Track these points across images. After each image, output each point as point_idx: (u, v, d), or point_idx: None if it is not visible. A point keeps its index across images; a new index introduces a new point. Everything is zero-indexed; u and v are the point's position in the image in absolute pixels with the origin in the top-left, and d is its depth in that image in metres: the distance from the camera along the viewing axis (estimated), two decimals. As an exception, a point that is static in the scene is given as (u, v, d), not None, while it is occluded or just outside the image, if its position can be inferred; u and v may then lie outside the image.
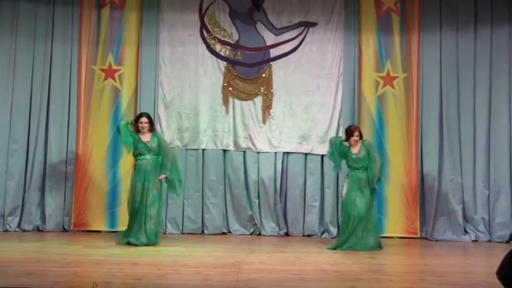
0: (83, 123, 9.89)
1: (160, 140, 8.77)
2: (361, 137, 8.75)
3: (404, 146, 9.95)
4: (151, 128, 8.79)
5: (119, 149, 9.72)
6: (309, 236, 9.96)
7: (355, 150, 8.68)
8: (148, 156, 8.65)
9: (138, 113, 9.23)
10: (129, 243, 8.37)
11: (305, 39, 10.20)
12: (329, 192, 9.98)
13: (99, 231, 9.75)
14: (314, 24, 10.21)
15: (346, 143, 8.78)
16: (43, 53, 9.92)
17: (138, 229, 8.45)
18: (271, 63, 10.18)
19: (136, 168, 8.76)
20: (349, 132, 8.80)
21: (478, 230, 9.83)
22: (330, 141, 9.01)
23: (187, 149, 10.04)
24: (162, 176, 8.67)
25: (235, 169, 10.08)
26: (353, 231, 8.47)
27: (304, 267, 7.04)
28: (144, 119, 8.71)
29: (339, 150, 8.78)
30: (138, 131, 8.67)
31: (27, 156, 9.84)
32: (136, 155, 8.73)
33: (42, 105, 9.87)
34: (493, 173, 9.90)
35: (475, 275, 6.92)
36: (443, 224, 9.83)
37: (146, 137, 8.69)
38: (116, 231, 9.34)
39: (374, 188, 8.64)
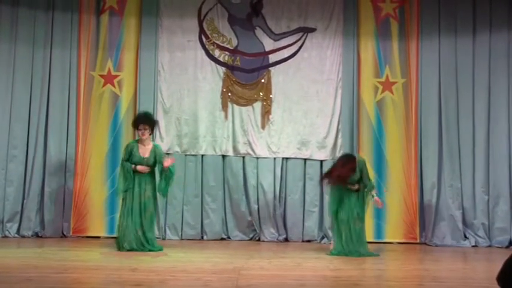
0: (82, 129, 9.89)
1: (158, 155, 8.61)
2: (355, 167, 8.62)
3: (403, 151, 9.95)
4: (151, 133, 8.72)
5: (117, 154, 9.71)
6: (308, 241, 9.96)
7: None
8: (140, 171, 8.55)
9: (142, 111, 9.09)
10: (127, 249, 8.35)
11: (304, 45, 10.21)
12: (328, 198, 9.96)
13: (98, 237, 9.75)
14: (313, 30, 10.23)
15: None
16: (42, 59, 9.92)
17: (133, 235, 8.42)
18: (270, 68, 10.19)
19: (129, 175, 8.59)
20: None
21: (478, 235, 9.83)
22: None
23: (186, 155, 10.03)
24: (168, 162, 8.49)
25: (235, 175, 10.08)
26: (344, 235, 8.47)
27: (303, 273, 7.03)
28: (143, 127, 8.56)
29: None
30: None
31: (26, 162, 9.84)
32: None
33: (41, 111, 9.87)
34: (492, 178, 9.89)
35: (474, 281, 6.91)
36: (442, 230, 9.82)
37: (144, 150, 8.57)
38: (115, 237, 9.34)
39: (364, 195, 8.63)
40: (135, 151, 8.56)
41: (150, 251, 8.37)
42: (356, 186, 8.53)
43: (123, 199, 8.60)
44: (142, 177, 8.55)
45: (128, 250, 8.31)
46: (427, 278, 7.01)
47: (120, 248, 8.42)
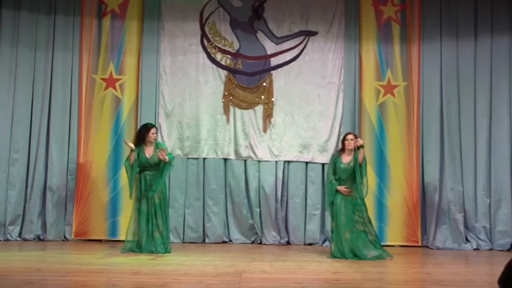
0: (83, 133, 9.90)
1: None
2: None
3: (405, 154, 9.95)
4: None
5: (119, 158, 9.74)
6: (310, 244, 9.96)
7: (346, 159, 8.57)
8: (149, 171, 8.62)
9: (142, 124, 9.15)
10: (138, 251, 8.46)
11: (305, 48, 10.22)
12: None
13: (100, 240, 9.75)
14: (314, 33, 10.24)
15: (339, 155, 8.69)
16: (44, 63, 9.94)
17: (146, 238, 8.48)
18: (271, 72, 10.20)
19: (139, 179, 8.69)
20: (343, 137, 8.78)
21: (480, 239, 9.82)
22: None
23: (188, 158, 10.04)
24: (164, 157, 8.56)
25: (236, 178, 10.09)
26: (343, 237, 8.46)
27: (305, 276, 7.02)
28: (154, 130, 8.73)
29: (333, 168, 8.67)
30: (143, 142, 8.63)
31: (28, 165, 9.85)
32: (140, 169, 8.68)
33: (43, 114, 9.88)
34: (494, 181, 9.90)
35: (476, 284, 6.90)
36: (444, 233, 9.82)
37: (149, 151, 8.64)
38: (117, 240, 9.36)
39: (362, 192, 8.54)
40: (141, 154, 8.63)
41: (153, 252, 8.40)
42: (346, 189, 8.49)
43: (135, 201, 8.63)
44: (151, 178, 8.57)
45: (139, 252, 8.40)
46: (428, 281, 7.00)
47: (129, 249, 8.46)
